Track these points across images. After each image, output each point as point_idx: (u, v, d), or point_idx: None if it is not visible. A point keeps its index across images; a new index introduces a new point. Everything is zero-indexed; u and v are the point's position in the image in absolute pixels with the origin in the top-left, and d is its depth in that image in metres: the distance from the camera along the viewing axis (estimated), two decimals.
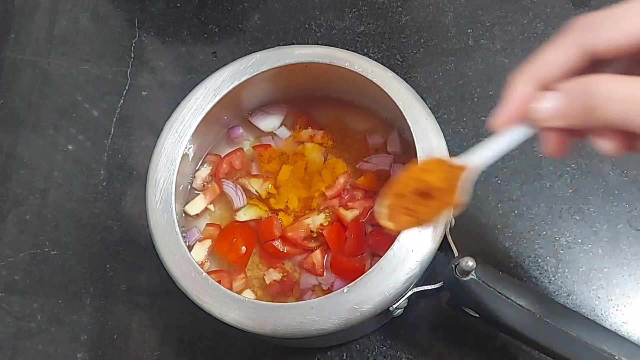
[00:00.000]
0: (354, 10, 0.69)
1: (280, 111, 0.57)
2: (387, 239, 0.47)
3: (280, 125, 0.57)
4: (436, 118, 0.49)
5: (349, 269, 0.50)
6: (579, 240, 0.57)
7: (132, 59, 0.69)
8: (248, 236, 0.53)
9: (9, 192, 0.65)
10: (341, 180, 0.53)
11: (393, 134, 0.54)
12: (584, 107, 0.31)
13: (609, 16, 0.31)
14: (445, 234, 0.46)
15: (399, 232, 0.43)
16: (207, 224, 0.54)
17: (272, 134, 0.56)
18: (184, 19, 0.70)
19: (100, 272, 0.60)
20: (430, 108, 0.49)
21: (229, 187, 0.54)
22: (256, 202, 0.54)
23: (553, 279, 0.56)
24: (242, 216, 0.53)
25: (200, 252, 0.52)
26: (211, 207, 0.54)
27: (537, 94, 0.33)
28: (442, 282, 0.46)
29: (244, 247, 0.52)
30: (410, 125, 0.48)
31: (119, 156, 0.65)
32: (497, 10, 0.67)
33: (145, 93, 0.67)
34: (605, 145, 0.33)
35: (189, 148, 0.52)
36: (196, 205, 0.54)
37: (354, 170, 0.54)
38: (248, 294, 0.51)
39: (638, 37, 0.31)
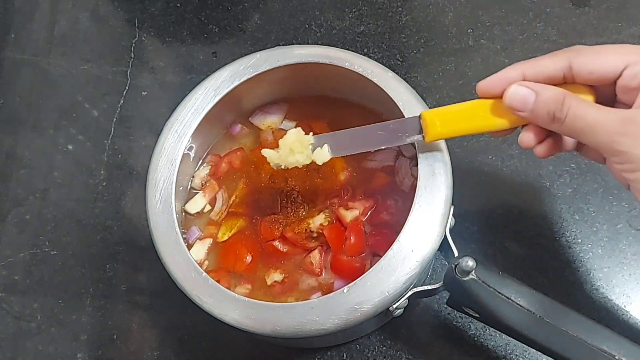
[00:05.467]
0: (354, 10, 0.69)
1: (280, 111, 0.57)
2: (387, 239, 0.47)
3: (284, 119, 0.57)
4: None
5: (349, 269, 0.50)
6: (579, 240, 0.57)
7: (132, 59, 0.69)
8: (249, 243, 0.52)
9: (9, 192, 0.65)
10: (341, 178, 0.53)
11: None
12: (549, 113, 0.40)
13: (595, 50, 0.40)
14: (445, 234, 0.46)
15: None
16: (208, 222, 0.54)
17: (271, 128, 0.56)
18: (184, 19, 0.70)
19: (100, 272, 0.60)
20: (430, 108, 0.49)
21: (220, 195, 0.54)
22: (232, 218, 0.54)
23: (553, 279, 0.56)
24: (223, 236, 0.53)
25: (200, 250, 0.52)
26: (208, 207, 0.54)
27: (519, 81, 0.41)
28: (442, 282, 0.46)
29: (248, 257, 0.52)
30: None
31: (119, 156, 0.65)
32: (497, 10, 0.67)
33: (145, 93, 0.68)
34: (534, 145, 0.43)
35: (189, 148, 0.52)
36: (196, 204, 0.54)
37: (355, 169, 0.54)
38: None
39: (606, 71, 0.39)
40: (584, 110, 0.38)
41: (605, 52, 0.39)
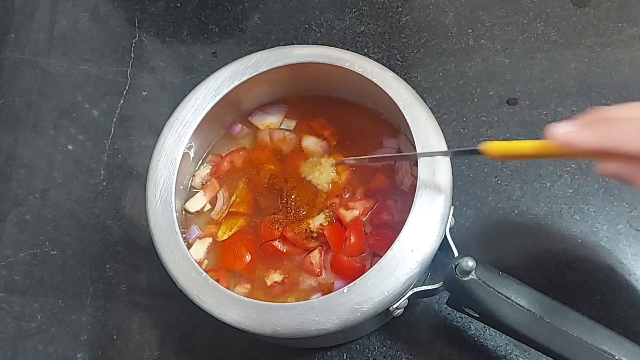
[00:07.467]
0: (354, 10, 0.69)
1: (279, 111, 0.57)
2: (387, 239, 0.47)
3: (283, 119, 0.57)
4: (436, 118, 0.49)
5: (349, 269, 0.50)
6: (579, 241, 0.57)
7: (132, 59, 0.69)
8: (249, 243, 0.52)
9: (9, 192, 0.65)
10: (342, 178, 0.53)
11: (404, 139, 0.54)
12: None
13: None
14: (445, 234, 0.46)
15: None
16: (208, 221, 0.54)
17: (270, 128, 0.56)
18: (184, 19, 0.70)
19: (100, 272, 0.60)
20: (430, 108, 0.49)
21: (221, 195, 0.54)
22: (233, 217, 0.54)
23: (553, 278, 0.56)
24: (223, 235, 0.53)
25: (200, 249, 0.52)
26: (208, 206, 0.54)
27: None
28: (442, 282, 0.46)
29: (248, 256, 0.52)
30: (410, 125, 0.48)
31: (119, 156, 0.65)
32: (497, 10, 0.67)
33: (145, 93, 0.68)
34: None
35: (189, 148, 0.52)
36: (196, 203, 0.54)
37: (355, 169, 0.54)
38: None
39: None
40: None
41: None
